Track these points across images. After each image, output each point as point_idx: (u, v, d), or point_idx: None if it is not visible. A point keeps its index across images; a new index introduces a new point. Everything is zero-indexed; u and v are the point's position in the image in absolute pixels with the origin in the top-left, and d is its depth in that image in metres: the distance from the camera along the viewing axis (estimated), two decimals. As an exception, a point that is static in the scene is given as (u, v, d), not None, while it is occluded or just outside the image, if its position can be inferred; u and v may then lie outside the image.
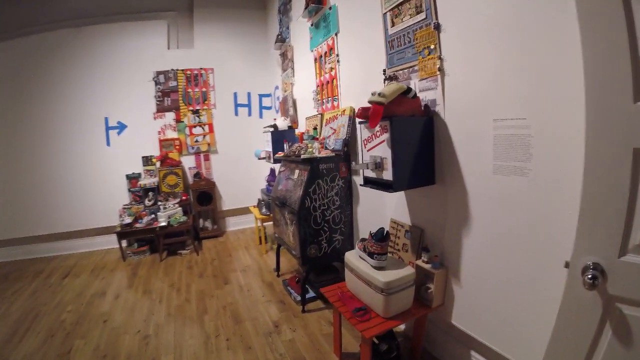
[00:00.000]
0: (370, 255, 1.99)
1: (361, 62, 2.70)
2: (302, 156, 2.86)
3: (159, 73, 4.70)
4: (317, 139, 3.19)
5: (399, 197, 2.37)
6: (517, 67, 1.47)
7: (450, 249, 1.98)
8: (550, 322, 1.17)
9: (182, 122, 4.86)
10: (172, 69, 4.75)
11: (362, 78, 2.71)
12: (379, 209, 2.65)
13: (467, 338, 1.93)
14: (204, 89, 4.93)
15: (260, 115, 5.35)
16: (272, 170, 4.50)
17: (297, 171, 3.04)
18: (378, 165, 1.98)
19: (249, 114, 5.27)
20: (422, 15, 1.94)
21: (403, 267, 1.98)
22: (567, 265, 1.10)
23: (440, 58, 1.86)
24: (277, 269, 3.60)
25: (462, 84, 1.76)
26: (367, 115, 1.84)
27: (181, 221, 4.24)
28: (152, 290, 3.40)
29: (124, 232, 4.15)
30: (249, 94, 5.22)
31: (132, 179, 4.67)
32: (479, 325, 1.86)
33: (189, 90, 4.86)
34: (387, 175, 1.93)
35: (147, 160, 4.75)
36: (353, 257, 2.15)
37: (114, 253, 4.52)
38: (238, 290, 3.30)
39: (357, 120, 2.15)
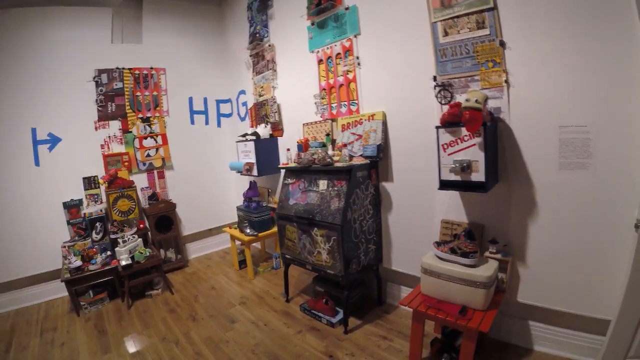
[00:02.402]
0: (465, 255, 2.19)
1: (393, 67, 2.87)
2: (339, 164, 2.88)
3: (101, 72, 4.07)
4: (340, 146, 3.19)
5: (452, 198, 2.64)
6: (578, 83, 2.00)
7: (515, 237, 2.37)
8: (617, 279, 1.93)
9: (131, 132, 4.29)
10: (118, 67, 4.17)
11: (393, 83, 2.88)
12: (423, 213, 2.83)
13: (528, 311, 2.38)
14: (155, 93, 4.45)
15: (219, 124, 5.08)
16: (253, 184, 4.32)
17: (323, 182, 3.02)
18: (465, 168, 2.21)
19: (207, 123, 4.97)
20: (486, 31, 2.28)
21: (485, 261, 2.24)
22: (637, 225, 1.77)
23: (505, 71, 2.23)
24: (287, 293, 3.46)
25: (527, 96, 2.18)
26: (465, 120, 2.09)
27: (147, 255, 3.71)
28: (143, 352, 2.84)
29: (74, 279, 3.42)
30: (205, 100, 4.92)
31: (72, 207, 3.93)
32: (545, 295, 2.31)
33: (138, 93, 4.33)
34: (478, 177, 2.19)
35: (90, 183, 4.05)
36: (435, 262, 2.27)
37: (60, 305, 3.78)
38: (254, 327, 3.06)
39: (439, 125, 2.29)
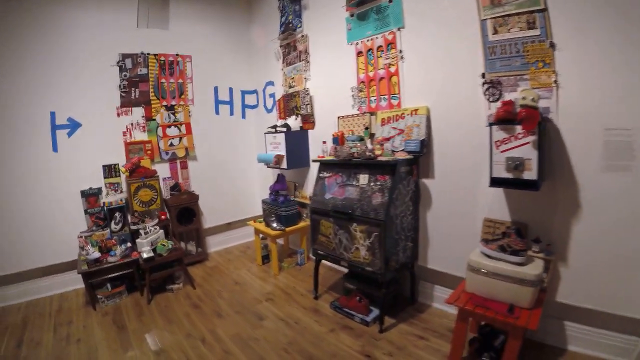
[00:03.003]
0: (515, 253, 2.19)
1: (437, 62, 2.86)
2: (382, 158, 2.86)
3: (125, 56, 3.97)
4: (380, 140, 3.15)
5: (496, 196, 2.63)
6: (625, 86, 2.06)
7: (558, 237, 2.40)
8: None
9: (154, 120, 4.20)
10: (142, 53, 4.08)
11: (438, 78, 2.87)
12: (464, 211, 2.83)
13: (565, 311, 2.41)
14: (180, 80, 4.37)
15: (243, 115, 5.03)
16: (281, 177, 4.26)
17: (364, 176, 2.98)
18: (518, 166, 2.22)
19: (231, 113, 4.90)
20: (536, 32, 2.32)
21: (531, 259, 2.24)
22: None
23: (555, 72, 2.27)
24: (316, 290, 3.41)
25: (576, 97, 2.22)
26: (522, 118, 2.15)
27: (170, 248, 3.62)
28: (167, 350, 2.74)
29: (93, 272, 3.33)
30: (231, 90, 4.86)
31: (90, 195, 3.83)
32: (583, 295, 2.35)
33: (163, 80, 4.25)
34: (530, 175, 2.21)
35: (110, 171, 3.95)
36: (483, 260, 2.27)
37: (74, 298, 3.66)
38: (283, 325, 3.00)
39: (492, 122, 2.32)
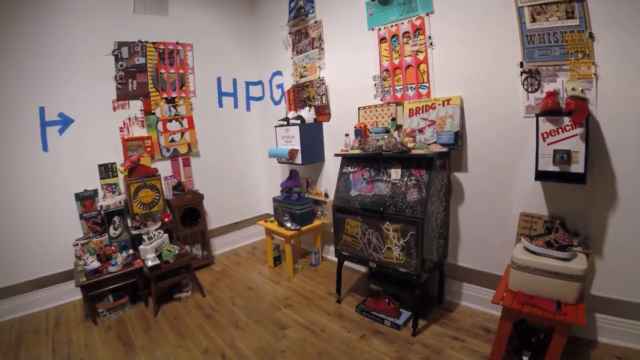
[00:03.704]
0: (562, 248, 2.18)
1: (471, 49, 2.75)
2: (416, 151, 2.71)
3: (121, 44, 3.68)
4: (409, 132, 2.99)
5: (533, 190, 2.59)
6: None
7: (595, 230, 2.39)
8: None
9: (154, 114, 3.93)
10: (140, 41, 3.79)
11: (471, 66, 2.76)
12: (499, 205, 2.76)
13: (598, 303, 2.44)
14: (181, 71, 4.10)
15: (248, 108, 4.82)
16: (295, 173, 4.06)
17: (396, 170, 2.83)
18: (564, 159, 2.20)
19: (235, 106, 4.68)
20: (575, 22, 2.28)
21: (574, 254, 2.21)
22: None
23: (594, 63, 2.24)
24: (339, 292, 3.24)
25: (616, 89, 2.19)
26: (571, 109, 2.14)
27: (176, 254, 3.38)
28: None
29: (92, 284, 3.06)
30: (234, 81, 4.64)
31: (85, 199, 3.55)
32: (617, 287, 2.37)
33: (162, 70, 3.98)
34: (577, 168, 2.21)
35: (106, 171, 3.67)
36: (528, 256, 2.22)
37: (71, 311, 3.38)
38: (309, 333, 2.83)
39: (538, 113, 2.28)
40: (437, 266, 2.96)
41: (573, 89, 2.19)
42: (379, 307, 2.96)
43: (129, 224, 3.58)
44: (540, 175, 2.32)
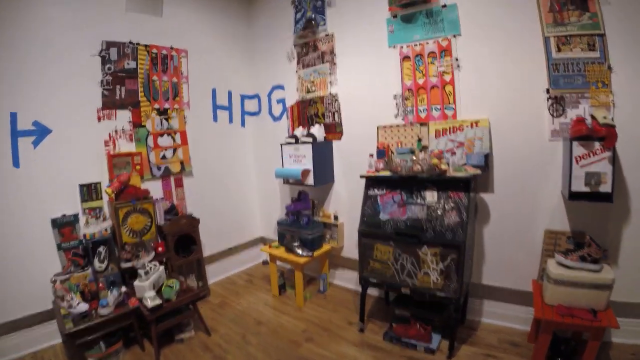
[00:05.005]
0: (595, 261, 2.45)
1: (498, 73, 2.97)
2: (457, 174, 2.80)
3: (109, 45, 3.36)
4: (437, 153, 3.05)
5: (557, 208, 2.87)
6: None
7: (612, 242, 2.70)
8: None
9: (144, 127, 3.61)
10: (131, 42, 3.49)
11: (498, 90, 2.98)
12: (524, 224, 2.99)
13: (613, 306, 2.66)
14: (174, 79, 3.83)
15: (242, 123, 4.64)
16: (304, 195, 3.95)
17: (432, 193, 2.89)
18: (597, 181, 2.48)
19: (230, 121, 4.49)
20: (596, 54, 2.64)
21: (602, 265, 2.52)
22: None
23: (612, 92, 2.62)
24: (363, 321, 3.17)
25: (629, 115, 2.56)
26: (604, 135, 2.41)
27: (178, 289, 3.07)
28: None
29: (82, 330, 2.64)
30: (230, 94, 4.46)
31: (64, 225, 3.12)
32: (632, 290, 2.67)
33: (155, 77, 3.69)
34: (605, 188, 2.50)
35: (89, 192, 3.27)
36: (563, 271, 2.48)
37: (51, 358, 2.93)
38: None
39: (571, 137, 2.51)
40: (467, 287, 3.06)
41: (604, 117, 2.47)
42: (410, 333, 2.94)
43: (118, 255, 3.20)
44: (574, 196, 2.54)
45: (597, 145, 2.43)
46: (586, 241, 2.55)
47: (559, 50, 2.74)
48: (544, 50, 2.77)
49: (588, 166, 2.47)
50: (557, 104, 2.76)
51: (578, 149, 2.50)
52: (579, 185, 2.51)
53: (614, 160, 2.41)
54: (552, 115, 2.77)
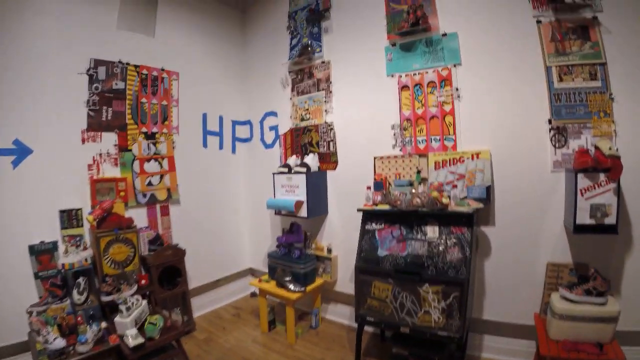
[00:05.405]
0: (600, 294, 2.42)
1: (499, 104, 2.97)
2: (459, 209, 2.74)
3: (98, 63, 3.27)
4: (437, 186, 3.00)
5: (559, 240, 2.83)
6: None
7: (614, 273, 2.67)
8: None
9: (130, 151, 3.48)
10: (121, 62, 3.41)
11: (499, 120, 2.97)
12: (526, 257, 2.93)
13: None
14: (164, 102, 3.74)
15: (233, 150, 4.54)
16: (297, 227, 3.81)
17: (433, 228, 2.83)
18: (603, 213, 2.46)
19: (220, 147, 4.38)
20: (597, 83, 2.67)
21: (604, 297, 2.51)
22: None
23: (614, 122, 2.64)
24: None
25: (631, 144, 2.58)
26: (610, 167, 2.40)
27: (162, 327, 2.88)
28: None
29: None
30: (220, 119, 4.38)
31: (42, 253, 2.94)
32: (634, 319, 2.62)
33: (144, 100, 3.60)
34: (610, 220, 2.47)
35: (70, 218, 3.10)
36: (568, 305, 2.44)
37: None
38: None
39: (576, 169, 2.47)
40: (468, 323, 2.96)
41: (610, 148, 2.44)
42: (410, 372, 2.84)
43: (98, 287, 3.02)
44: (579, 229, 2.50)
45: (602, 177, 2.43)
46: (591, 274, 2.51)
47: (560, 80, 2.76)
48: (545, 80, 2.78)
49: (593, 198, 2.45)
50: (559, 135, 2.76)
51: (583, 181, 2.48)
52: (584, 218, 2.49)
53: (619, 191, 2.40)
54: (554, 146, 2.77)
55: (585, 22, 2.67)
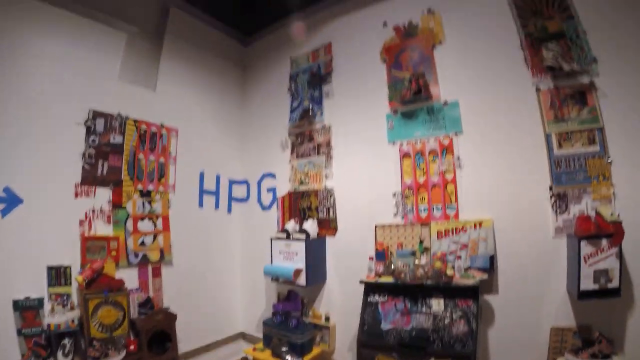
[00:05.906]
0: (606, 357, 2.48)
1: (500, 171, 3.06)
2: (464, 281, 2.79)
3: (96, 115, 3.30)
4: (440, 256, 3.06)
5: (562, 304, 2.83)
6: None
7: (617, 333, 2.66)
8: None
9: (124, 209, 3.43)
10: (120, 115, 3.45)
11: (500, 188, 3.05)
12: (529, 323, 2.90)
13: None
14: (161, 159, 3.74)
15: (229, 209, 4.52)
16: (294, 294, 3.78)
17: (438, 301, 2.85)
18: (607, 279, 2.53)
19: (216, 206, 4.37)
20: (595, 147, 2.78)
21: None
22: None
23: (612, 185, 2.72)
24: None
25: (629, 206, 2.64)
26: (613, 233, 2.48)
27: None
28: None
29: None
30: (218, 178, 4.39)
31: (27, 309, 2.80)
32: None
33: (141, 155, 3.60)
34: (612, 284, 2.52)
35: (57, 276, 2.99)
36: None
37: None
38: None
39: (579, 236, 2.55)
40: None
41: (612, 214, 2.55)
42: None
43: (84, 351, 2.88)
44: (583, 295, 2.55)
45: (604, 242, 2.50)
46: (596, 338, 2.57)
47: (560, 146, 2.88)
48: (545, 147, 2.90)
49: (596, 264, 2.52)
50: (560, 201, 2.84)
51: (586, 248, 2.55)
52: (588, 284, 2.54)
53: (621, 255, 2.47)
54: (556, 213, 2.84)
55: (582, 87, 2.81)
